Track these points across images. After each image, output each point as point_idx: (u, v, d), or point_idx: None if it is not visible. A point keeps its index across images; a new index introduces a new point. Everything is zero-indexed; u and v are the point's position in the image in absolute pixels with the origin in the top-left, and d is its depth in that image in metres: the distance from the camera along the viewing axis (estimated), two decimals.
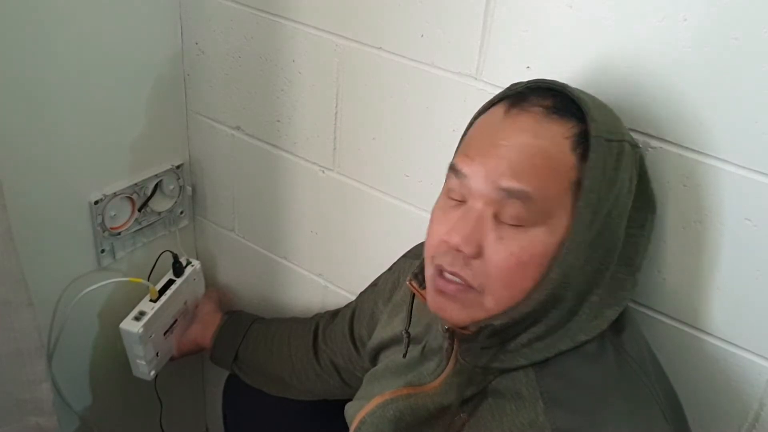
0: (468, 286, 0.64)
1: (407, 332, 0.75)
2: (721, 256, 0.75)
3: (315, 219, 1.12)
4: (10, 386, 0.93)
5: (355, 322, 0.99)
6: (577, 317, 0.64)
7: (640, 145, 0.71)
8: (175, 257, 1.16)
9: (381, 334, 0.87)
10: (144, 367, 1.10)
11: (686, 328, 0.80)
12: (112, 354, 1.17)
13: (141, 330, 1.05)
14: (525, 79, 0.73)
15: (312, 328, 1.07)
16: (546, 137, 0.63)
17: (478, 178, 0.63)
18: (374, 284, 0.98)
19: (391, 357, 0.82)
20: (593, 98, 0.66)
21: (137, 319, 1.06)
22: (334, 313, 1.06)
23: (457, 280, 0.64)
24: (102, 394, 1.24)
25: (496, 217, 0.62)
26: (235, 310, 1.23)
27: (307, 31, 0.98)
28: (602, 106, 0.66)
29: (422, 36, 0.87)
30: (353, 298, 1.04)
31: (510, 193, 0.61)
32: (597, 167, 0.61)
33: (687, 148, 0.73)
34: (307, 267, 1.18)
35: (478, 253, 0.62)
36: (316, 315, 1.11)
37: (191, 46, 1.12)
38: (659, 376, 0.70)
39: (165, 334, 1.13)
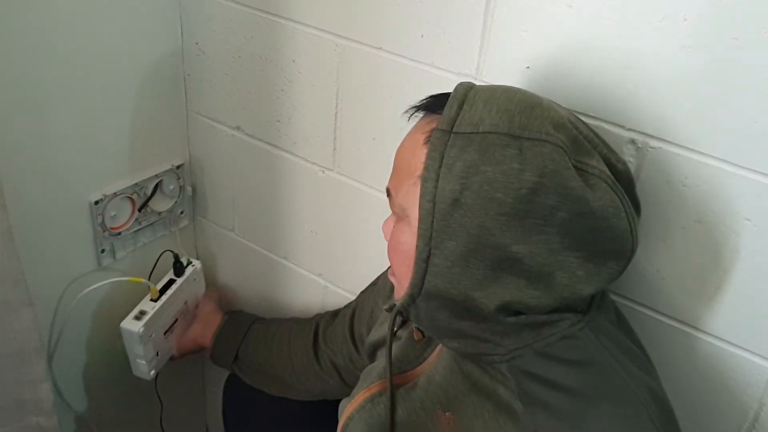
0: (392, 270, 0.74)
1: (392, 331, 0.79)
2: (721, 256, 0.75)
3: (315, 219, 1.12)
4: (10, 386, 0.93)
5: (355, 321, 0.99)
6: (455, 303, 0.65)
7: (556, 144, 0.63)
8: (176, 257, 1.16)
9: (378, 331, 0.88)
10: (144, 367, 1.10)
11: (686, 328, 0.80)
12: (112, 354, 1.17)
13: (141, 329, 1.05)
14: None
15: (312, 328, 1.07)
16: (411, 135, 0.69)
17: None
18: (374, 283, 0.98)
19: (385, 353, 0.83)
20: (494, 93, 0.65)
21: (138, 318, 1.06)
22: (335, 313, 1.06)
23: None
24: (102, 394, 1.24)
25: (394, 213, 0.72)
26: (235, 310, 1.23)
27: (307, 31, 0.98)
28: (492, 101, 0.64)
29: (422, 36, 0.87)
30: (353, 298, 1.04)
31: (387, 192, 0.72)
32: (432, 158, 0.63)
33: (687, 148, 0.73)
34: (307, 267, 1.18)
35: (388, 243, 0.72)
36: (316, 315, 1.11)
37: (191, 46, 1.12)
38: (647, 375, 0.69)
39: (165, 333, 1.13)
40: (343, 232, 1.09)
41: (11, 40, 0.90)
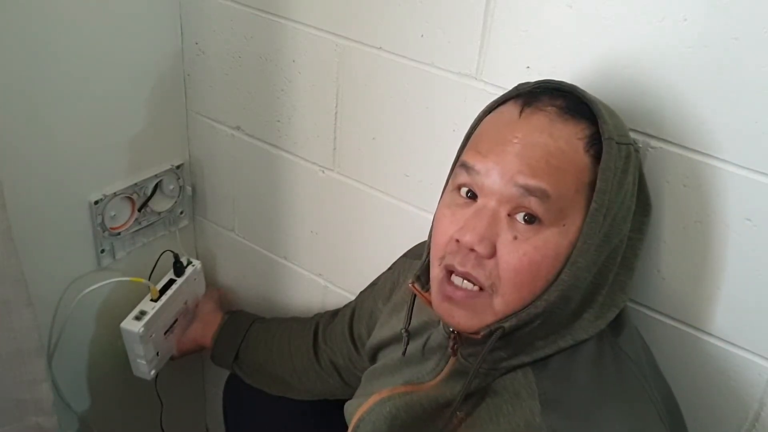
0: (478, 290, 0.63)
1: (407, 331, 0.74)
2: (721, 256, 0.75)
3: (315, 219, 1.12)
4: (10, 386, 0.93)
5: (355, 321, 0.99)
6: (581, 319, 0.64)
7: (640, 147, 0.72)
8: (176, 257, 1.16)
9: (380, 333, 0.87)
10: (144, 367, 1.10)
11: (686, 328, 0.80)
12: (112, 354, 1.17)
13: (142, 329, 1.05)
14: (526, 79, 0.73)
15: (312, 327, 1.07)
16: (560, 137, 0.62)
17: (492, 175, 0.62)
18: (374, 284, 0.98)
19: (390, 356, 0.82)
20: (601, 101, 0.66)
21: (138, 318, 1.06)
22: (334, 313, 1.06)
23: (466, 286, 0.63)
24: (102, 394, 1.24)
25: (510, 216, 0.62)
26: (235, 310, 1.23)
27: (307, 31, 0.98)
28: (610, 109, 0.67)
29: (422, 36, 0.87)
30: (353, 298, 1.04)
31: (528, 191, 0.60)
32: (609, 169, 0.61)
33: (687, 148, 0.73)
34: (307, 267, 1.18)
35: (492, 253, 0.61)
36: (316, 315, 1.11)
37: (191, 46, 1.12)
38: (656, 377, 0.70)
39: (165, 333, 1.13)
40: (343, 232, 1.09)
41: (11, 41, 0.90)
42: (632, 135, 0.75)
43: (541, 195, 0.60)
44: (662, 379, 0.72)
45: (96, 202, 1.07)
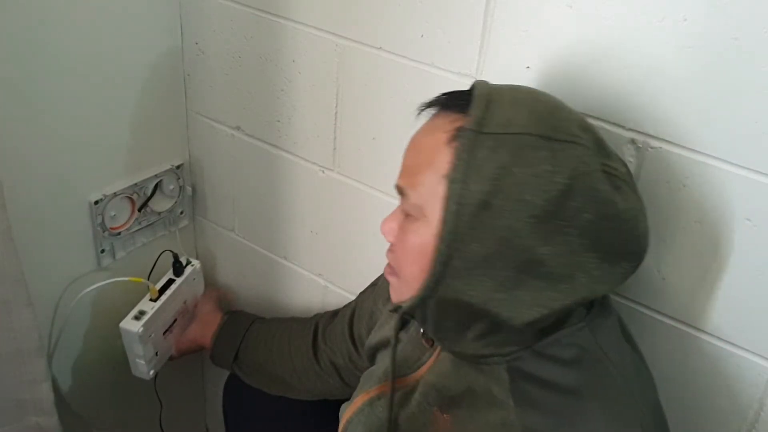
0: (392, 270, 0.72)
1: (396, 335, 0.77)
2: (721, 256, 0.75)
3: (315, 219, 1.12)
4: (10, 386, 0.93)
5: (355, 321, 0.99)
6: (496, 314, 0.64)
7: (585, 143, 0.64)
8: (176, 257, 1.16)
9: (378, 333, 0.87)
10: (143, 367, 1.10)
11: (686, 328, 0.80)
12: (112, 354, 1.17)
13: (141, 329, 1.05)
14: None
15: (312, 328, 1.07)
16: (429, 133, 0.67)
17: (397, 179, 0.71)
18: (374, 284, 0.98)
19: (385, 354, 0.82)
20: (516, 94, 0.65)
21: (137, 318, 1.06)
22: (334, 313, 1.06)
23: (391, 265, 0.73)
24: (102, 394, 1.24)
25: (404, 211, 0.69)
26: (235, 310, 1.23)
27: (307, 31, 0.98)
28: (516, 102, 0.64)
29: (422, 36, 0.87)
30: (353, 298, 1.04)
31: (399, 191, 0.69)
32: (461, 158, 0.61)
33: (687, 148, 0.73)
34: (307, 267, 1.18)
35: (394, 242, 0.71)
36: (316, 315, 1.11)
37: (191, 46, 1.12)
38: (643, 382, 0.69)
39: (165, 333, 1.13)
40: (343, 232, 1.09)
41: (11, 41, 0.90)
42: (632, 135, 0.75)
43: (402, 192, 0.68)
44: (650, 385, 0.71)
45: (96, 202, 1.07)
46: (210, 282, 1.32)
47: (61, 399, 1.15)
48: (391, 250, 0.72)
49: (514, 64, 0.81)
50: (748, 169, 0.70)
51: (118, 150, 1.10)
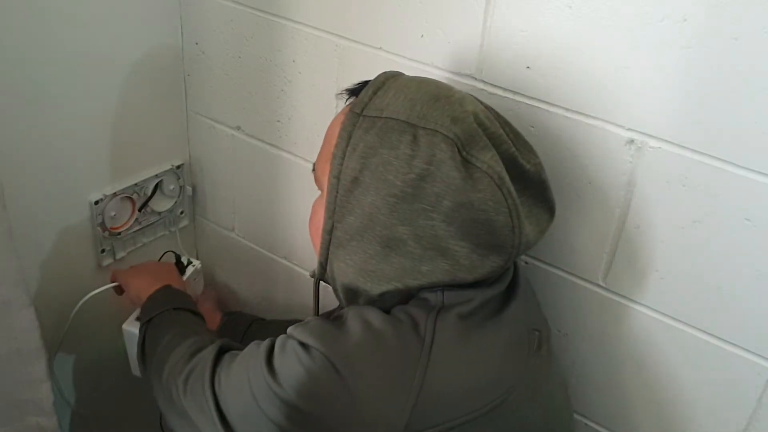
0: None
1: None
2: (721, 256, 0.75)
3: None
4: (10, 386, 0.93)
5: None
6: (353, 273, 0.70)
7: (450, 133, 0.65)
8: (178, 257, 1.16)
9: None
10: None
11: (686, 328, 0.80)
12: (112, 354, 1.16)
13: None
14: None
15: None
16: (336, 117, 0.73)
17: None
18: None
19: None
20: (407, 84, 0.70)
21: (140, 319, 1.06)
22: (330, 314, 1.06)
23: None
24: (102, 394, 1.24)
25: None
26: (233, 311, 1.23)
27: (307, 31, 0.98)
28: (400, 90, 0.69)
29: (422, 36, 0.87)
30: None
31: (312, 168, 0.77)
32: (341, 137, 0.68)
33: (687, 148, 0.73)
34: (307, 267, 1.17)
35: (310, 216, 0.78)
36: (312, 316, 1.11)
37: (191, 46, 1.12)
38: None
39: None
40: None
41: (11, 41, 0.90)
42: (632, 135, 0.75)
43: (313, 170, 0.77)
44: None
45: (96, 202, 1.07)
46: (210, 282, 1.32)
47: (62, 399, 1.15)
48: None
49: (514, 64, 0.81)
50: (748, 169, 0.70)
51: (118, 150, 1.10)
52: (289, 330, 0.72)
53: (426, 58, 0.88)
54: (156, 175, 1.16)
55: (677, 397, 0.84)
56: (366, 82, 0.72)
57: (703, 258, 0.76)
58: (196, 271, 1.18)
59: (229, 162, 1.19)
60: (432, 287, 0.69)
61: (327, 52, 0.97)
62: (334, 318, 0.73)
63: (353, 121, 0.68)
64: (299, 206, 1.13)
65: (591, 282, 0.85)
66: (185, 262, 1.17)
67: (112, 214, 1.11)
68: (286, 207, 1.15)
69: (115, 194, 1.10)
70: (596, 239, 0.82)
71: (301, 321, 1.14)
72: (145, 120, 1.12)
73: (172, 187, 1.20)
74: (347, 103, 0.73)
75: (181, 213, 1.25)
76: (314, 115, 1.03)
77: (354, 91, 0.73)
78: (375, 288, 0.69)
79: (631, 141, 0.75)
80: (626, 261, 0.81)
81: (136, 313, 1.07)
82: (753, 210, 0.71)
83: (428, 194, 0.65)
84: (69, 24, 0.95)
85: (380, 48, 0.91)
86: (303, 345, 0.69)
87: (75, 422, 1.20)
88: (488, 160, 0.66)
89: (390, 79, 0.71)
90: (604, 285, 0.84)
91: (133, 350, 1.09)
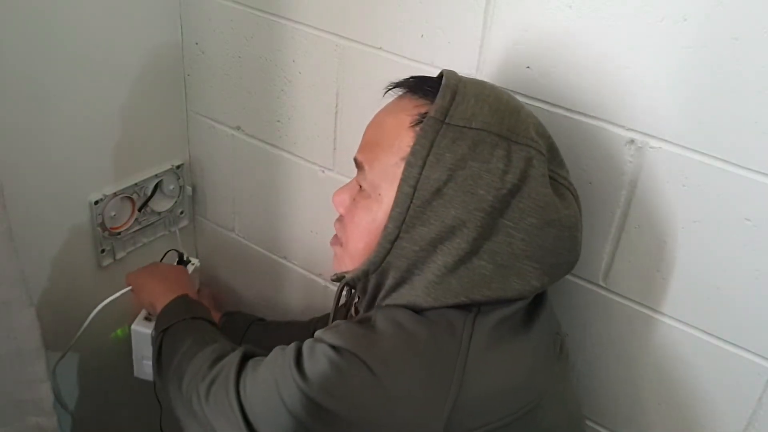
0: (340, 241, 0.75)
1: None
2: (721, 256, 0.75)
3: (315, 219, 1.12)
4: (10, 386, 0.93)
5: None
6: (409, 287, 0.67)
7: (541, 149, 0.66)
8: (180, 256, 1.16)
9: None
10: (149, 368, 1.10)
11: (686, 328, 0.80)
12: (112, 355, 1.16)
13: (154, 331, 1.05)
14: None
15: (309, 332, 1.07)
16: (393, 113, 0.69)
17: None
18: None
19: None
20: (482, 90, 0.67)
21: (149, 319, 1.06)
22: (329, 316, 1.06)
23: (337, 235, 0.76)
24: (102, 395, 1.24)
25: (361, 185, 0.71)
26: (232, 311, 1.23)
27: (307, 31, 0.98)
28: (482, 98, 0.66)
29: (422, 36, 0.87)
30: None
31: (356, 164, 0.72)
32: (421, 144, 0.64)
33: (687, 148, 0.73)
34: (307, 267, 1.17)
35: (344, 214, 0.73)
36: (312, 319, 1.11)
37: (191, 46, 1.12)
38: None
39: None
40: None
41: (11, 42, 0.90)
42: (632, 135, 0.75)
43: (360, 167, 0.71)
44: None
45: (96, 202, 1.07)
46: (210, 282, 1.32)
47: (61, 399, 1.15)
48: (339, 221, 0.75)
49: (514, 64, 0.81)
50: (748, 169, 0.70)
51: (118, 150, 1.10)
52: (318, 334, 0.70)
53: (426, 58, 0.88)
54: (156, 175, 1.16)
55: (677, 396, 0.84)
56: (418, 79, 0.70)
57: (704, 258, 0.76)
58: (195, 269, 1.19)
59: (229, 162, 1.18)
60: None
61: (327, 52, 0.97)
62: (361, 321, 0.70)
63: (435, 128, 0.64)
64: (299, 206, 1.13)
65: (591, 282, 0.85)
66: (186, 261, 1.17)
67: (112, 214, 1.11)
68: (286, 207, 1.15)
69: (115, 194, 1.10)
70: (597, 239, 0.82)
71: (302, 321, 1.14)
72: (145, 120, 1.12)
73: (172, 187, 1.20)
74: (400, 99, 0.70)
75: (181, 213, 1.25)
76: (314, 115, 1.03)
77: (410, 87, 0.70)
78: (437, 300, 0.66)
79: (632, 141, 0.75)
80: (627, 261, 0.81)
81: (144, 313, 1.07)
82: (753, 210, 0.71)
83: (514, 210, 0.64)
84: (69, 24, 0.95)
85: (380, 48, 0.91)
86: (334, 347, 0.66)
87: (75, 422, 1.20)
88: (566, 175, 0.67)
89: (460, 82, 0.67)
90: (604, 285, 0.84)
91: (139, 352, 1.09)
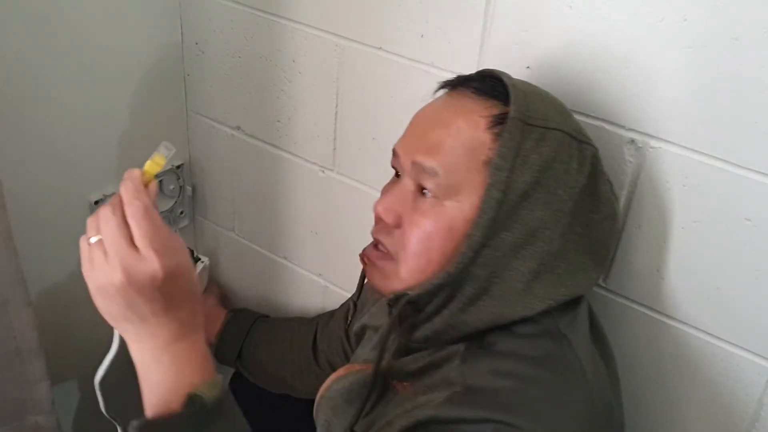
0: (388, 255, 0.68)
1: (354, 303, 0.79)
2: (721, 256, 0.75)
3: (315, 219, 1.12)
4: (10, 386, 0.93)
5: (350, 320, 0.99)
6: (496, 301, 0.64)
7: (595, 146, 0.68)
8: (191, 252, 1.16)
9: (360, 320, 0.88)
10: None
11: (686, 328, 0.80)
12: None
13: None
14: (524, 80, 0.72)
15: (313, 329, 1.07)
16: (461, 115, 0.65)
17: (401, 155, 0.68)
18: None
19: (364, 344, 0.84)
20: (536, 89, 0.68)
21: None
22: (332, 314, 1.07)
23: (381, 248, 0.69)
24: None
25: (418, 191, 0.66)
26: (239, 308, 1.23)
27: (307, 31, 0.98)
28: (542, 97, 0.67)
29: (422, 36, 0.87)
30: None
31: (422, 168, 0.65)
32: (508, 147, 0.62)
33: (687, 148, 0.73)
34: (307, 267, 1.17)
35: (398, 223, 0.66)
36: (317, 316, 1.12)
37: (191, 46, 1.12)
38: (610, 386, 0.67)
39: None
40: (343, 232, 1.09)
41: (11, 41, 0.90)
42: (632, 135, 0.75)
43: (431, 171, 0.64)
44: (617, 393, 0.70)
45: (96, 202, 1.07)
46: (210, 282, 1.32)
47: (61, 399, 1.15)
48: (387, 233, 0.67)
49: (514, 64, 0.80)
50: (748, 169, 0.70)
51: (118, 150, 1.09)
52: (427, 414, 0.61)
53: (426, 58, 0.88)
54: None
55: (676, 396, 0.84)
56: (481, 78, 0.67)
57: (704, 258, 0.76)
58: (204, 267, 1.19)
59: (229, 162, 1.18)
60: (548, 311, 0.64)
61: (327, 52, 0.97)
62: (458, 393, 0.62)
63: (520, 129, 0.62)
64: (299, 206, 1.13)
65: None
66: (196, 258, 1.17)
67: None
68: (286, 207, 1.15)
69: (114, 194, 1.10)
70: None
71: (306, 318, 1.13)
72: (145, 120, 1.12)
73: (172, 187, 1.20)
74: (460, 97, 0.66)
75: (181, 213, 1.25)
76: (314, 115, 1.03)
77: (478, 88, 0.66)
78: (526, 309, 0.63)
79: (632, 141, 0.75)
80: (627, 261, 0.81)
81: None
82: (753, 210, 0.71)
83: (581, 208, 0.64)
84: (69, 24, 0.95)
85: (380, 48, 0.91)
86: (462, 421, 0.59)
87: (75, 422, 1.20)
88: (607, 172, 0.69)
89: (517, 81, 0.66)
90: (604, 285, 0.84)
91: None
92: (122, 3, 1.01)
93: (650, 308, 0.82)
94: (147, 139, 1.13)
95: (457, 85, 0.68)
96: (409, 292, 0.65)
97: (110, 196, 1.08)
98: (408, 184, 0.67)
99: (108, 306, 0.63)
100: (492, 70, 0.68)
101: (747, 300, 0.75)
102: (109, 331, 0.71)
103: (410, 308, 0.66)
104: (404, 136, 0.70)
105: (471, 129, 0.64)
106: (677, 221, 0.76)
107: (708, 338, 0.79)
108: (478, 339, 0.66)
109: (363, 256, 0.71)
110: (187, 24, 1.11)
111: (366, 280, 0.77)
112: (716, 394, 0.80)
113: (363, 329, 0.88)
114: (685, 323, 0.80)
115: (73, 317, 1.10)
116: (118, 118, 1.08)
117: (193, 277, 0.63)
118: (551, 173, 0.62)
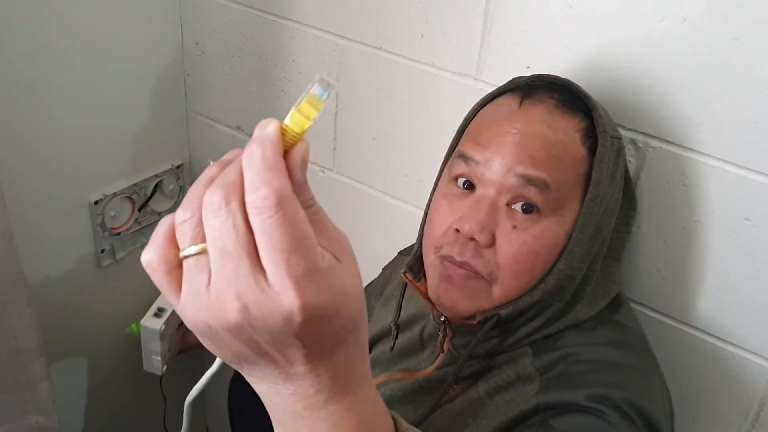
0: (478, 275, 0.62)
1: (396, 324, 0.75)
2: (721, 256, 0.75)
3: None
4: (10, 385, 0.93)
5: (393, 344, 0.98)
6: (573, 311, 0.65)
7: (640, 147, 0.74)
8: None
9: (372, 327, 0.87)
10: (158, 363, 1.10)
11: (686, 328, 0.80)
12: (112, 353, 1.17)
13: (162, 327, 1.05)
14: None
15: None
16: (559, 129, 0.63)
17: (492, 165, 0.62)
18: (369, 283, 0.98)
19: (381, 348, 0.82)
20: (591, 97, 0.68)
21: (158, 316, 1.06)
22: None
23: (467, 268, 0.63)
24: (102, 393, 1.24)
25: (509, 206, 0.62)
26: None
27: (307, 31, 0.98)
28: (601, 105, 0.68)
29: (422, 36, 0.87)
30: None
31: (528, 181, 0.61)
32: (603, 161, 0.63)
33: (687, 148, 0.73)
34: None
35: (491, 242, 0.62)
36: None
37: (191, 46, 1.12)
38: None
39: (178, 328, 1.13)
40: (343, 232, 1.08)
41: (11, 42, 0.90)
42: (632, 135, 0.75)
43: (541, 185, 0.61)
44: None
45: (96, 202, 1.07)
46: None
47: (61, 398, 1.15)
48: (476, 253, 0.62)
49: (514, 64, 0.81)
50: (748, 169, 0.70)
51: (118, 150, 1.10)
52: (530, 404, 0.59)
53: (426, 58, 0.88)
54: (156, 175, 1.16)
55: (677, 396, 0.83)
56: (563, 91, 0.66)
57: (704, 258, 0.76)
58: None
59: None
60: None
61: (327, 52, 0.97)
62: (552, 380, 0.61)
63: (609, 142, 0.64)
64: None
65: None
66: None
67: (112, 214, 1.11)
68: None
69: (115, 194, 1.10)
70: None
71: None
72: (145, 120, 1.12)
73: (172, 187, 1.20)
74: (548, 107, 0.64)
75: None
76: None
77: (563, 101, 0.65)
78: (592, 309, 0.66)
79: (632, 141, 0.75)
80: (627, 261, 0.81)
81: (153, 309, 1.07)
82: (753, 210, 0.71)
83: (621, 207, 0.69)
84: (69, 24, 0.95)
85: (380, 48, 0.91)
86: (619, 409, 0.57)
87: (75, 422, 1.20)
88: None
89: (578, 86, 0.68)
90: None
91: (148, 347, 1.09)
92: (122, 4, 1.01)
93: (650, 308, 0.82)
94: (147, 139, 1.13)
95: (531, 92, 0.65)
96: (500, 312, 0.62)
97: (110, 196, 1.09)
98: (497, 197, 0.62)
99: (217, 349, 0.42)
100: (552, 76, 0.68)
101: (747, 300, 0.75)
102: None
103: (497, 329, 0.64)
104: (485, 144, 0.64)
105: (571, 143, 0.63)
106: (677, 221, 0.76)
107: (708, 338, 0.79)
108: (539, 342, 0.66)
109: (443, 276, 0.64)
110: (187, 24, 1.11)
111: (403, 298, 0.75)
112: (717, 394, 0.80)
113: (379, 336, 0.84)
114: (685, 323, 0.80)
115: (73, 317, 1.10)
116: (118, 118, 1.08)
117: (357, 305, 0.41)
118: (618, 182, 0.67)
